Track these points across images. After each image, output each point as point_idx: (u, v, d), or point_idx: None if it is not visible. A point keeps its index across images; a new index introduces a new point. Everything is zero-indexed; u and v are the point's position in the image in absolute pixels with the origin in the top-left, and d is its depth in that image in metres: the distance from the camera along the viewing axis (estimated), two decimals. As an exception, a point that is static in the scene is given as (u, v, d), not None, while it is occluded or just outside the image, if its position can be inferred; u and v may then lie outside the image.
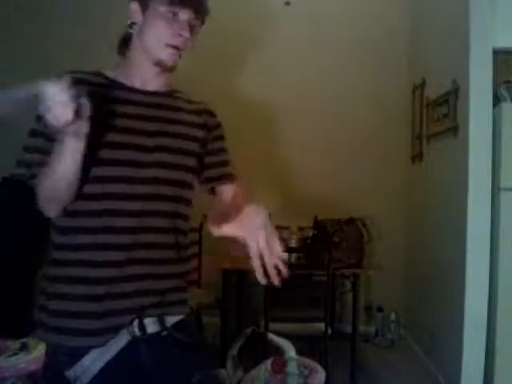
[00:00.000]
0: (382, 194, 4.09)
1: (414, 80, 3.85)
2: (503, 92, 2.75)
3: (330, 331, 2.91)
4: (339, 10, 4.09)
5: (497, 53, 2.67)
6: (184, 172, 1.26)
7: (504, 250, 2.60)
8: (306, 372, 2.15)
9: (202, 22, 1.27)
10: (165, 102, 1.29)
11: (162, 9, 1.18)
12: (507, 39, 2.67)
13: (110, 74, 1.31)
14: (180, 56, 1.23)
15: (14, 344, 2.42)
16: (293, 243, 3.27)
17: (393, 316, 4.01)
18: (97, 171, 1.16)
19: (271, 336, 1.84)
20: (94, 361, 1.15)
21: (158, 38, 1.20)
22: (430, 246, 3.47)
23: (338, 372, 3.07)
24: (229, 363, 1.62)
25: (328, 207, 3.71)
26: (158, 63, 1.22)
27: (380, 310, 4.06)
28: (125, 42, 1.28)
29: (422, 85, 3.66)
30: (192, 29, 1.22)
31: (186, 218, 1.30)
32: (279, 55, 4.09)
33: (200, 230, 3.70)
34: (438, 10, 3.39)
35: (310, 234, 3.43)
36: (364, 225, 3.59)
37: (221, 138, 1.38)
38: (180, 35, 1.19)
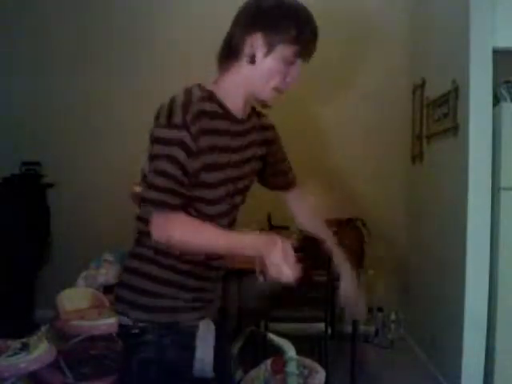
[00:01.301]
0: (382, 194, 4.09)
1: (414, 80, 3.85)
2: (503, 92, 2.75)
3: (329, 331, 2.91)
4: (339, 10, 4.08)
5: (497, 53, 2.67)
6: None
7: (504, 250, 2.60)
8: (306, 372, 2.16)
9: None
10: (246, 127, 1.31)
11: (288, 54, 1.17)
12: (507, 39, 2.66)
13: (218, 95, 1.23)
14: None
15: (15, 344, 2.42)
16: (292, 243, 3.27)
17: (393, 316, 4.01)
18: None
19: (271, 336, 1.84)
20: None
21: (269, 79, 1.19)
22: (430, 245, 3.47)
23: (338, 372, 3.07)
24: (229, 363, 1.61)
25: (328, 207, 3.70)
26: (258, 101, 1.26)
27: (380, 310, 4.06)
28: (227, 58, 1.23)
29: (422, 85, 3.66)
30: None
31: None
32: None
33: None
34: (438, 10, 3.39)
35: (310, 234, 3.42)
36: (364, 225, 3.59)
37: (281, 148, 1.52)
38: (291, 81, 1.20)
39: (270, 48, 1.16)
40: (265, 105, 1.27)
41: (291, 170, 1.54)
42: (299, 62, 1.20)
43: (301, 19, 1.21)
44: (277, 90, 1.21)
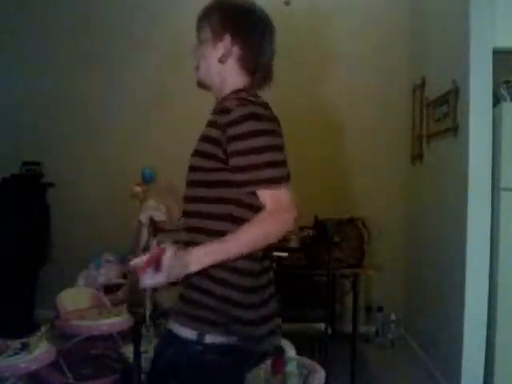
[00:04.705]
0: (382, 194, 4.09)
1: (414, 80, 3.85)
2: (503, 92, 2.75)
3: (330, 331, 2.91)
4: (339, 10, 4.09)
5: (497, 53, 2.67)
6: (196, 172, 1.29)
7: (504, 250, 2.60)
8: (306, 372, 2.16)
9: (214, 33, 1.35)
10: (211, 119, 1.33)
11: None
12: (507, 39, 2.66)
13: None
14: (202, 72, 1.39)
15: (15, 344, 2.42)
16: (293, 243, 3.27)
17: (393, 316, 4.01)
18: None
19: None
20: None
21: None
22: (430, 245, 3.47)
23: (338, 372, 3.07)
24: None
25: (328, 207, 3.71)
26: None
27: (380, 309, 4.06)
28: None
29: (422, 85, 3.66)
30: (202, 44, 1.38)
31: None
32: (279, 55, 4.08)
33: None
34: (438, 10, 3.39)
35: (310, 233, 3.43)
36: (364, 225, 3.59)
37: (233, 138, 1.20)
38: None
39: None
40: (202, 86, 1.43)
41: (248, 169, 1.21)
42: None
43: None
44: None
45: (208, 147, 1.25)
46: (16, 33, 4.32)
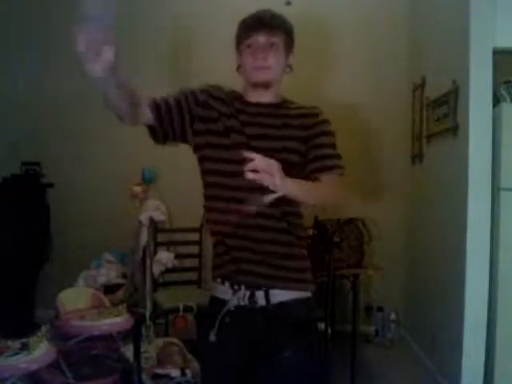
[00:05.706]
0: (381, 194, 4.09)
1: (414, 80, 3.86)
2: (503, 92, 2.75)
3: (329, 331, 2.91)
4: (339, 10, 4.09)
5: (497, 53, 2.67)
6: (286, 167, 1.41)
7: (504, 250, 2.60)
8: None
9: (287, 42, 1.57)
10: (271, 112, 1.56)
11: (243, 46, 1.53)
12: (507, 39, 2.66)
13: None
14: (273, 74, 1.54)
15: (15, 344, 2.42)
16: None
17: (393, 316, 4.01)
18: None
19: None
20: None
21: (248, 65, 1.53)
22: (430, 245, 3.47)
23: (338, 372, 3.08)
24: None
25: (328, 207, 3.69)
26: (255, 84, 1.54)
27: (380, 309, 4.06)
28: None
29: (422, 85, 3.66)
30: (273, 47, 1.52)
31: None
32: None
33: (200, 229, 3.70)
34: (438, 10, 3.40)
35: (310, 233, 3.43)
36: (364, 225, 3.59)
37: (322, 134, 1.59)
38: (259, 58, 1.50)
39: (238, 53, 1.59)
40: (260, 85, 1.54)
41: (331, 157, 1.62)
42: (259, 39, 1.53)
43: (241, 22, 1.57)
44: (256, 68, 1.52)
45: (295, 145, 1.53)
46: (16, 33, 4.32)
